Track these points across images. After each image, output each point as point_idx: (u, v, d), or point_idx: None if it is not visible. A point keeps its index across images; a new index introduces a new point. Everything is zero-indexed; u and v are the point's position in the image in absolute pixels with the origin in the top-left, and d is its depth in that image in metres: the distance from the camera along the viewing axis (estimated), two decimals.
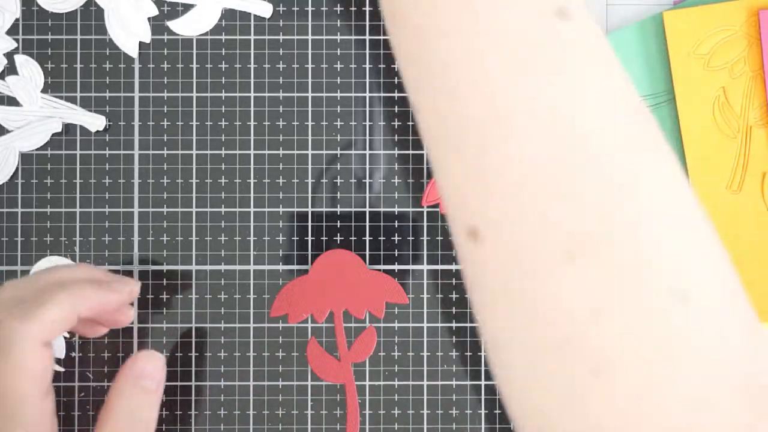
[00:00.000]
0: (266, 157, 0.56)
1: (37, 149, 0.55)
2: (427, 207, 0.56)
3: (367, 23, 0.56)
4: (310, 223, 0.56)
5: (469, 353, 0.55)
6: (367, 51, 0.56)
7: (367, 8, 0.56)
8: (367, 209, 0.56)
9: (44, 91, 0.55)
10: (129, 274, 0.55)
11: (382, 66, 0.56)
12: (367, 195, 0.56)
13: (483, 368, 0.55)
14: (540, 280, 0.28)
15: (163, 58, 0.56)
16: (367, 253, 0.55)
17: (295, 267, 0.55)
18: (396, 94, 0.56)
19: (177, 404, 0.55)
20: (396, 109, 0.56)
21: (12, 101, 0.55)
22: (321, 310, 0.52)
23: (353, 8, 0.56)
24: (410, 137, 0.56)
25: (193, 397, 0.55)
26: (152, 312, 0.55)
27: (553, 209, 0.28)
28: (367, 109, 0.56)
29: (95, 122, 0.55)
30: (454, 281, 0.55)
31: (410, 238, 0.55)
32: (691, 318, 0.28)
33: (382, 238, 0.55)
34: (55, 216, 0.55)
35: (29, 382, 0.40)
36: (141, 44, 0.56)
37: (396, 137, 0.56)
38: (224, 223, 0.56)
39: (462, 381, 0.55)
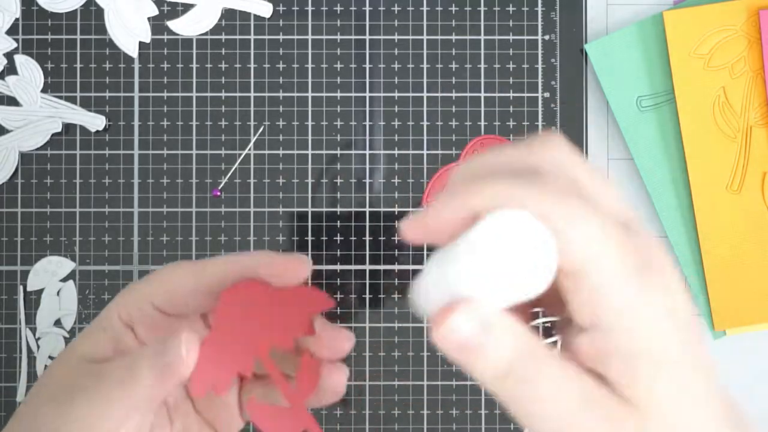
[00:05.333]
0: (266, 157, 0.56)
1: (37, 149, 0.55)
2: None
3: (367, 23, 0.56)
4: (310, 223, 0.56)
5: None
6: (367, 51, 0.56)
7: (367, 8, 0.56)
8: (367, 209, 0.56)
9: (44, 91, 0.55)
10: (129, 274, 0.55)
11: (382, 66, 0.56)
12: (367, 195, 0.56)
13: None
14: None
15: (163, 58, 0.56)
16: (367, 253, 0.55)
17: None
18: (396, 94, 0.56)
19: None
20: (396, 109, 0.56)
21: (12, 101, 0.55)
22: (245, 365, 0.38)
23: (353, 8, 0.56)
24: (410, 137, 0.56)
25: None
26: None
27: None
28: (367, 109, 0.56)
29: (95, 122, 0.55)
30: None
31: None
32: None
33: (382, 238, 0.55)
34: (55, 216, 0.55)
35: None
36: (141, 44, 0.56)
37: (396, 137, 0.56)
38: (224, 223, 0.56)
39: (462, 381, 0.55)
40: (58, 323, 0.55)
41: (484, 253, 0.28)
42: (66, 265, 0.55)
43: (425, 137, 0.56)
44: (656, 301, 0.28)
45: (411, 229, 0.31)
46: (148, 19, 0.56)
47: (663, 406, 0.28)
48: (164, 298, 0.37)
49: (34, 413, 0.36)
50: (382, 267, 0.55)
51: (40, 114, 0.55)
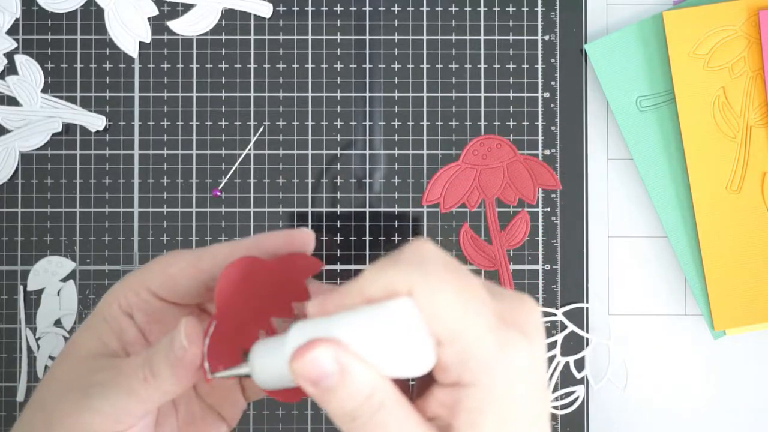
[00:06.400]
0: (266, 157, 0.56)
1: (37, 149, 0.55)
2: (427, 207, 0.56)
3: (367, 23, 0.56)
4: (310, 223, 0.56)
5: None
6: (367, 51, 0.56)
7: (367, 8, 0.56)
8: (367, 209, 0.56)
9: (44, 91, 0.55)
10: None
11: (382, 66, 0.56)
12: (367, 195, 0.56)
13: None
14: None
15: (163, 58, 0.56)
16: (367, 253, 0.55)
17: None
18: (396, 94, 0.56)
19: None
20: (396, 109, 0.56)
21: (12, 101, 0.55)
22: (251, 341, 0.36)
23: (353, 8, 0.56)
24: (410, 137, 0.56)
25: None
26: None
27: None
28: (367, 109, 0.56)
29: (95, 122, 0.55)
30: None
31: (410, 238, 0.55)
32: None
33: (382, 238, 0.55)
34: (55, 216, 0.55)
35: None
36: (141, 44, 0.56)
37: (396, 137, 0.56)
38: (224, 223, 0.56)
39: None
40: (58, 323, 0.55)
41: (366, 329, 0.30)
42: (66, 265, 0.55)
43: (425, 137, 0.56)
44: (514, 360, 0.30)
45: (317, 309, 0.33)
46: (148, 19, 0.56)
47: None
48: (162, 284, 0.38)
49: (51, 407, 0.36)
50: None
51: (40, 114, 0.55)
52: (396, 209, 0.56)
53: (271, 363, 0.33)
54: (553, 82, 0.56)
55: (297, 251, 0.38)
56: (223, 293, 0.36)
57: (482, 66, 0.56)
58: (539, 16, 0.56)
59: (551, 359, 0.55)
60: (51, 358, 0.55)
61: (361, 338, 0.31)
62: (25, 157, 0.56)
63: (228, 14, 0.56)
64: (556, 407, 0.56)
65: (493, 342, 0.30)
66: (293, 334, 0.32)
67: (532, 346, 0.31)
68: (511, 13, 0.56)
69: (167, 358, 0.34)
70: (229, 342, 0.36)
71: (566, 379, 0.56)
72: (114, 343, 0.38)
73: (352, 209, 0.56)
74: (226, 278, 0.36)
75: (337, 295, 0.32)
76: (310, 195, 0.56)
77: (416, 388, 0.34)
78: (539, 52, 0.56)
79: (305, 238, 0.38)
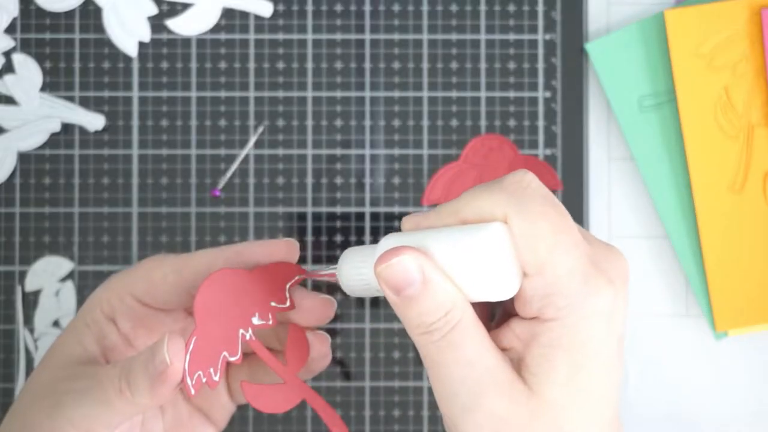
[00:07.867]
0: (266, 157, 0.56)
1: (36, 149, 0.55)
2: (428, 207, 0.56)
3: (367, 23, 0.56)
4: (310, 223, 0.55)
5: None
6: (367, 51, 0.56)
7: (367, 8, 0.56)
8: (367, 209, 0.56)
9: (43, 90, 0.55)
10: None
11: (382, 66, 0.56)
12: (367, 195, 0.56)
13: None
14: None
15: (163, 57, 0.56)
16: None
17: None
18: (396, 94, 0.56)
19: None
20: (396, 109, 0.56)
21: (10, 101, 0.55)
22: (232, 352, 0.37)
23: (353, 8, 0.56)
24: (410, 137, 0.56)
25: None
26: None
27: None
28: (367, 109, 0.56)
29: (94, 122, 0.55)
30: None
31: None
32: None
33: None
34: (54, 216, 0.55)
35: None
36: (140, 43, 0.56)
37: (396, 137, 0.56)
38: (223, 223, 0.55)
39: None
40: (56, 324, 0.55)
41: (458, 249, 0.30)
42: (65, 266, 0.55)
43: (425, 137, 0.56)
44: (598, 304, 0.30)
45: (410, 224, 0.33)
46: (148, 18, 0.55)
47: (558, 405, 0.30)
48: (145, 290, 0.37)
49: (25, 415, 0.36)
50: None
51: (38, 113, 0.55)
52: (396, 209, 0.56)
53: (358, 268, 0.34)
54: (554, 82, 0.56)
55: (280, 260, 0.38)
56: (202, 308, 0.35)
57: (482, 66, 0.56)
58: (540, 15, 0.56)
59: None
60: None
61: (449, 255, 0.31)
62: (23, 157, 0.55)
63: (228, 13, 0.56)
64: None
65: (580, 281, 0.30)
66: (384, 243, 0.32)
67: (617, 295, 0.31)
68: (511, 12, 0.56)
69: (146, 371, 0.33)
70: (210, 356, 0.35)
71: None
72: (94, 348, 0.37)
73: (352, 209, 0.56)
74: (205, 293, 0.36)
75: (432, 213, 0.32)
76: (310, 195, 0.56)
77: (495, 321, 0.34)
78: (540, 51, 0.56)
79: (288, 248, 0.38)
